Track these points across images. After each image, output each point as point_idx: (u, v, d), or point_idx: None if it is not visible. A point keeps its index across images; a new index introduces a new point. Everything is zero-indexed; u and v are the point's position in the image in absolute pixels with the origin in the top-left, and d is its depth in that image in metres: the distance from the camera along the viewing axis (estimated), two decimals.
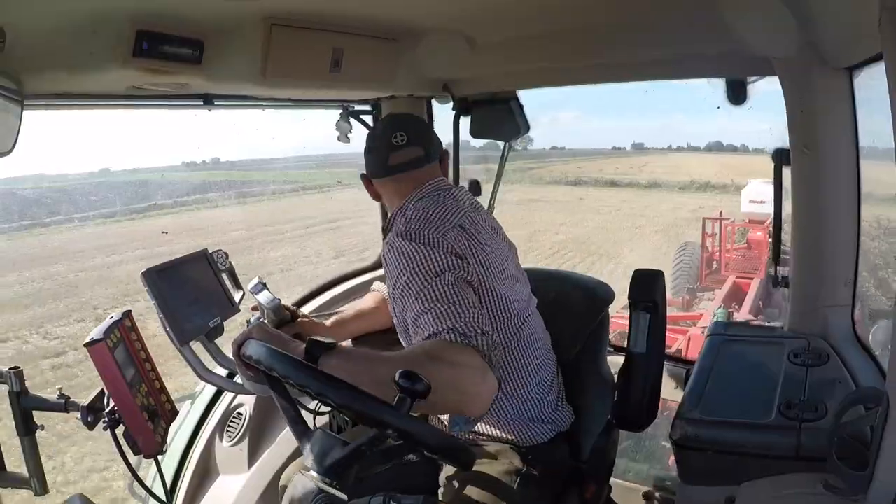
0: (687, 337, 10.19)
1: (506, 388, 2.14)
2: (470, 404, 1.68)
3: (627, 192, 35.75)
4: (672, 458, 2.31)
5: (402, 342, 2.19)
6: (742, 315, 11.78)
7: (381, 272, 3.58)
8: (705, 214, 17.92)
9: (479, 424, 2.17)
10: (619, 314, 6.29)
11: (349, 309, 2.59)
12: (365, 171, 2.26)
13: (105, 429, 1.94)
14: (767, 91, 2.52)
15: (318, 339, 1.64)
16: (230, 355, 2.25)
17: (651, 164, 48.34)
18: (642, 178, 40.52)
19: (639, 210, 29.09)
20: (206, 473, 2.99)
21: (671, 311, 13.41)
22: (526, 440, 2.16)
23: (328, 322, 2.44)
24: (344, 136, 3.27)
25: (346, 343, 2.50)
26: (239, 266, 2.47)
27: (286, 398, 1.62)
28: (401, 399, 1.41)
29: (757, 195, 15.88)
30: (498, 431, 2.17)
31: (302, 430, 1.60)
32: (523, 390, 2.17)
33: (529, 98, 2.52)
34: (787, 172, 2.45)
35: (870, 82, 2.15)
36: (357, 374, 1.57)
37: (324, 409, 2.31)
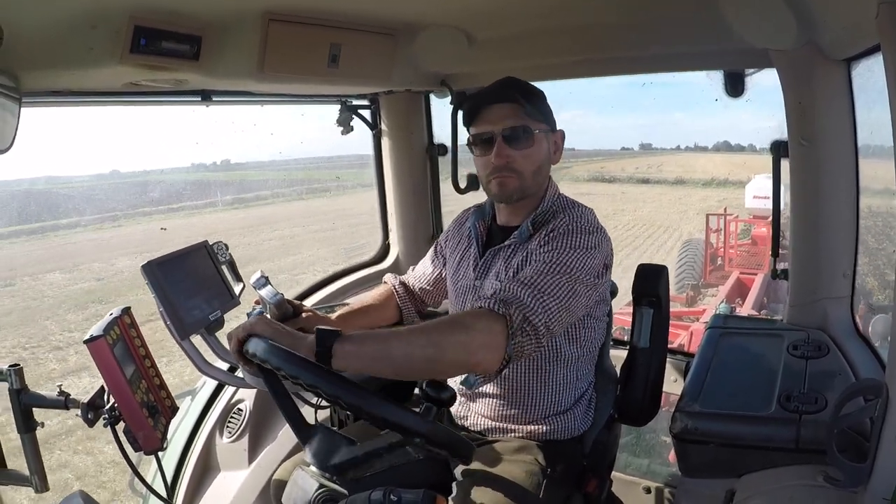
0: (689, 332, 10.19)
1: (555, 376, 2.16)
2: (461, 358, 1.70)
3: (659, 187, 40.11)
4: (672, 451, 2.31)
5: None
6: (745, 310, 11.79)
7: (381, 266, 3.59)
8: (729, 206, 18.38)
9: (514, 415, 2.18)
10: (623, 310, 6.31)
11: (355, 303, 2.58)
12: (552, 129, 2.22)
13: (105, 425, 1.92)
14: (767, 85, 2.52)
15: (325, 328, 1.59)
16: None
17: (666, 164, 51.40)
18: (667, 176, 44.30)
19: (675, 200, 34.08)
20: (206, 470, 2.99)
21: (674, 307, 13.43)
22: (558, 434, 2.16)
23: (333, 316, 2.42)
24: (347, 129, 3.30)
25: None
26: None
27: (285, 395, 1.62)
28: (427, 408, 1.47)
29: (760, 191, 15.87)
30: (534, 426, 2.17)
31: (304, 428, 1.60)
32: (575, 381, 2.20)
33: None
34: (786, 165, 2.46)
35: (867, 74, 2.15)
36: (374, 357, 1.59)
37: (324, 402, 2.31)
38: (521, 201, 2.17)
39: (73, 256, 21.59)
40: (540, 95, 2.18)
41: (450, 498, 1.90)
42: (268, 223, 27.34)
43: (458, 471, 2.05)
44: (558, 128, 2.20)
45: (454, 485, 2.01)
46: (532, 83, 2.18)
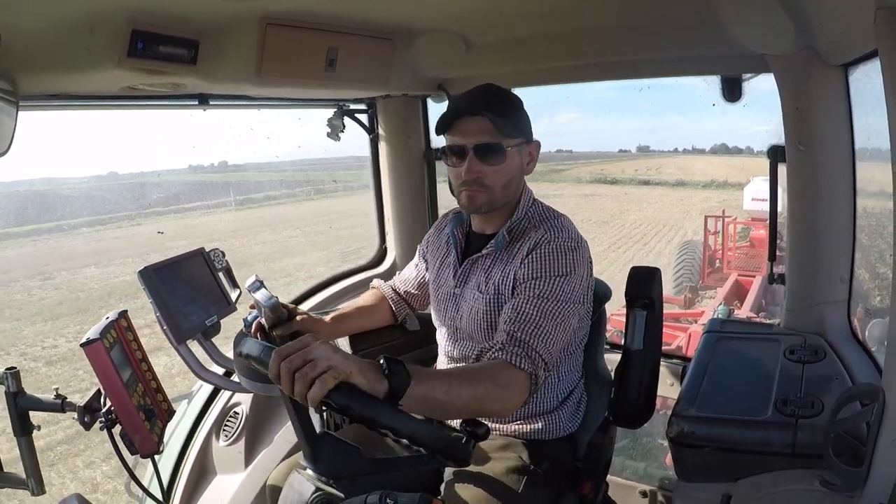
0: (687, 334, 10.18)
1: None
2: (498, 412, 1.82)
3: (660, 189, 41.83)
4: (669, 455, 2.30)
5: (472, 307, 2.18)
6: (743, 312, 11.79)
7: (377, 270, 3.59)
8: (729, 207, 18.51)
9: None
10: (619, 312, 6.32)
11: (348, 306, 2.59)
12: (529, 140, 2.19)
13: (102, 429, 1.93)
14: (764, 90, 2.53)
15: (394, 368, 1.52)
16: (227, 353, 2.25)
17: (665, 166, 52.82)
18: (667, 178, 45.88)
19: (677, 201, 35.74)
20: (202, 473, 2.99)
21: (673, 309, 13.44)
22: (543, 434, 2.16)
23: (327, 318, 2.43)
24: (335, 134, 3.28)
25: (343, 340, 2.52)
26: None
27: (298, 405, 1.61)
28: (467, 441, 1.53)
29: (759, 193, 15.87)
30: (518, 424, 2.17)
31: (311, 436, 1.60)
32: (557, 382, 2.19)
33: (527, 100, 2.55)
34: (783, 170, 2.46)
35: (865, 78, 2.16)
36: (436, 404, 1.60)
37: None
38: (492, 212, 2.18)
39: (104, 253, 22.60)
40: (516, 106, 2.15)
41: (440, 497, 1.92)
42: (285, 222, 28.46)
43: (447, 470, 2.06)
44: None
45: (443, 485, 2.03)
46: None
